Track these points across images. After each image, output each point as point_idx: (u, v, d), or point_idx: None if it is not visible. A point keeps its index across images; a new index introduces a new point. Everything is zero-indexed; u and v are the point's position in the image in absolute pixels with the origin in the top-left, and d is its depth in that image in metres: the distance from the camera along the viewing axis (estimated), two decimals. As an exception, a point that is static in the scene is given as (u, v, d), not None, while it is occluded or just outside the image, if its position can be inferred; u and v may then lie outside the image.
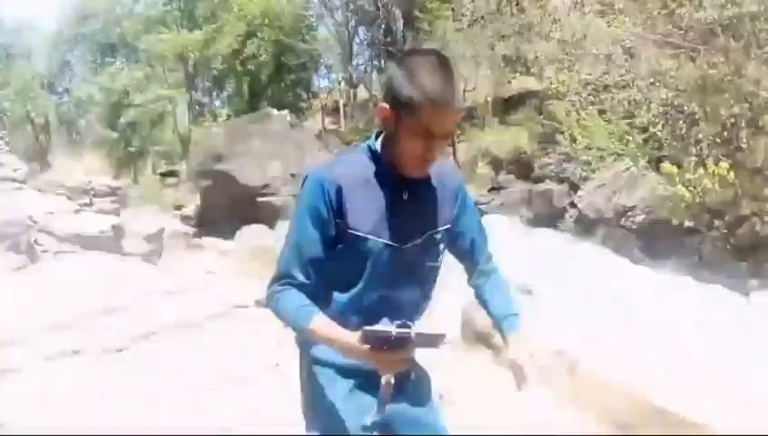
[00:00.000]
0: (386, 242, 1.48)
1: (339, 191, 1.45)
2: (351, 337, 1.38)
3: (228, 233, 8.28)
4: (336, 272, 1.50)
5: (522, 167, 11.43)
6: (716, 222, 8.55)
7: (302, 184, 1.51)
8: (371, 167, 1.50)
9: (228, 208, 9.14)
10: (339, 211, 1.46)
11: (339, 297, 1.52)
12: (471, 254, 1.70)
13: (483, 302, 1.74)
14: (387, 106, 1.44)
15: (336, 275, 1.50)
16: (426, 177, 1.52)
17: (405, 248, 1.51)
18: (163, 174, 19.36)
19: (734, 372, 5.67)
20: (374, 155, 1.51)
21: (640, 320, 6.41)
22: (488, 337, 5.52)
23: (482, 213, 9.15)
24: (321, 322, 1.45)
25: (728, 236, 8.61)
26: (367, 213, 1.47)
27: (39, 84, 25.52)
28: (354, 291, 1.51)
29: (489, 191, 11.26)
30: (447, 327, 5.81)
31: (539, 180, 11.08)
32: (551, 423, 3.98)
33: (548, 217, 10.34)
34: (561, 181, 10.80)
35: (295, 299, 1.47)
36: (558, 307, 6.47)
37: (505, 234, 9.00)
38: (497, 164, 11.97)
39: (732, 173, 8.16)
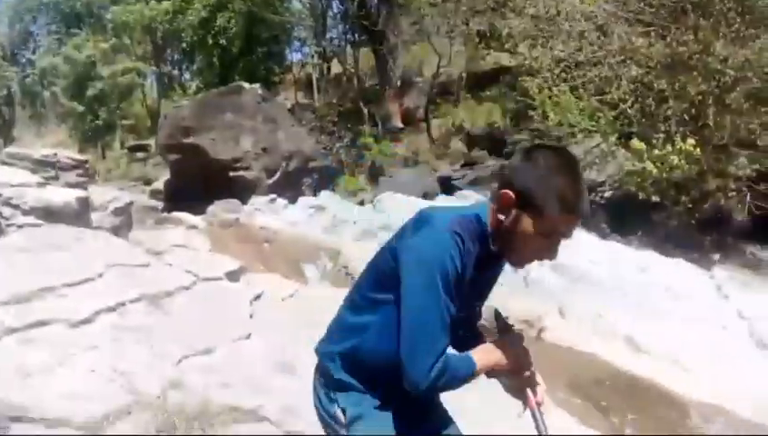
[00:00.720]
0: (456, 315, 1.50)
1: (464, 255, 1.44)
2: (495, 351, 1.55)
3: (199, 208, 8.17)
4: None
5: (495, 143, 11.48)
6: (682, 198, 8.74)
7: (423, 232, 1.45)
8: (477, 239, 1.48)
9: (198, 182, 9.01)
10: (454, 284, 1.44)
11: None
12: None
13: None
14: (513, 197, 1.42)
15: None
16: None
17: (461, 315, 1.54)
18: (132, 149, 18.96)
19: (697, 341, 5.88)
20: (482, 228, 1.48)
21: (606, 291, 6.58)
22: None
23: (455, 188, 9.23)
24: (479, 359, 1.51)
25: (693, 211, 8.82)
26: (460, 294, 1.47)
27: (0, 55, 24.62)
28: None
29: (462, 166, 11.31)
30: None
31: (512, 156, 11.14)
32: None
33: (521, 193, 10.42)
34: (533, 157, 10.88)
35: (451, 362, 1.45)
36: (528, 279, 6.60)
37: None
38: (470, 140, 12.00)
39: (698, 150, 8.34)
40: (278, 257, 6.80)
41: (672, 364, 5.25)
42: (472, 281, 1.50)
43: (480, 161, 11.30)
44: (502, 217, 1.45)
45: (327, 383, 1.70)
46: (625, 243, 8.70)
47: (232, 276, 4.55)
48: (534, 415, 1.59)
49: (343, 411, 1.62)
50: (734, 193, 8.68)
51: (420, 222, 1.49)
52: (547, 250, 1.44)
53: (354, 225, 8.05)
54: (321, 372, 1.76)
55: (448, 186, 10.60)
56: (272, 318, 4.00)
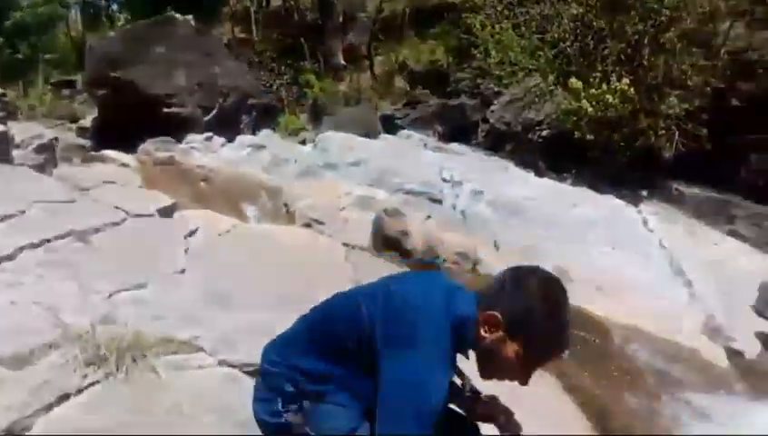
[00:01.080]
0: None
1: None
2: None
3: (129, 147, 7.83)
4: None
5: (438, 81, 11.42)
6: (615, 136, 9.02)
7: (421, 314, 1.44)
8: (458, 346, 1.49)
9: (129, 119, 8.58)
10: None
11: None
12: None
13: None
14: (500, 320, 1.43)
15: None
16: None
17: None
18: (57, 85, 17.80)
19: (622, 269, 6.22)
20: (472, 337, 1.48)
21: (539, 225, 6.83)
22: (397, 241, 5.72)
23: (398, 127, 9.16)
24: None
25: (625, 149, 9.13)
26: None
27: None
28: None
29: (405, 105, 11.23)
30: (362, 234, 5.88)
31: (454, 94, 11.15)
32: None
33: (462, 131, 10.51)
34: (474, 96, 10.92)
35: None
36: (465, 213, 6.76)
37: (418, 150, 9.14)
38: (413, 78, 11.89)
39: (632, 89, 8.58)
40: (215, 196, 6.66)
41: (597, 290, 5.57)
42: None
43: (423, 100, 11.24)
44: (486, 335, 1.47)
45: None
46: (559, 180, 8.99)
47: (165, 212, 4.44)
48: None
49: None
50: (664, 132, 9.03)
51: (409, 313, 1.48)
52: (523, 377, 1.48)
53: (295, 164, 7.95)
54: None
55: (390, 125, 10.55)
56: (208, 253, 3.96)
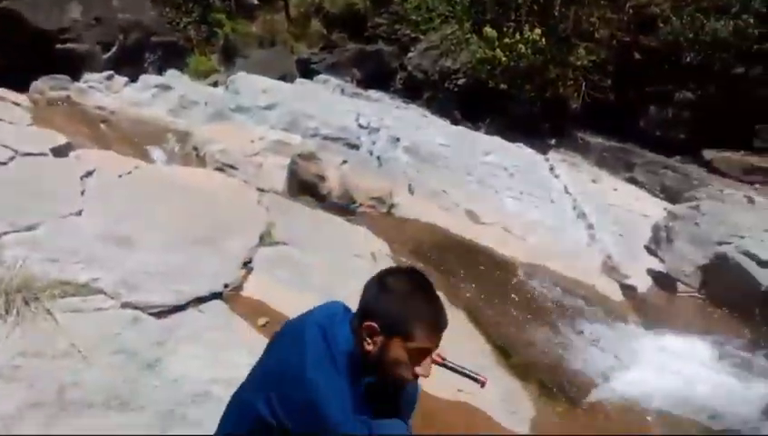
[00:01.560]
0: None
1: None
2: None
3: (21, 85, 7.15)
4: None
5: (355, 26, 11.16)
6: (527, 86, 9.24)
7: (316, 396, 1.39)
8: (357, 381, 1.46)
9: (18, 56, 7.81)
10: None
11: None
12: None
13: None
14: (376, 327, 1.44)
15: None
16: None
17: None
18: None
19: (528, 213, 6.49)
20: (357, 362, 1.47)
21: (452, 171, 6.96)
22: (313, 186, 5.65)
23: (314, 72, 8.88)
24: None
25: (536, 99, 9.39)
26: None
27: None
28: None
29: (321, 49, 10.93)
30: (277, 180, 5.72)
31: (372, 40, 10.96)
32: (371, 250, 4.29)
33: (379, 78, 10.39)
34: (392, 42, 10.78)
35: None
36: (381, 159, 6.76)
37: (335, 95, 8.98)
38: (329, 21, 11.55)
39: (543, 40, 8.78)
40: (118, 140, 6.24)
41: (504, 232, 5.79)
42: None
43: (340, 44, 10.97)
44: (369, 347, 1.46)
45: None
46: (473, 129, 9.16)
47: (59, 152, 4.11)
48: (445, 366, 1.71)
49: None
50: (572, 83, 9.35)
51: (296, 376, 1.45)
52: (421, 367, 1.47)
53: (205, 107, 7.57)
54: None
55: (306, 69, 10.26)
56: (107, 194, 3.72)
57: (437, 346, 1.49)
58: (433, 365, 1.61)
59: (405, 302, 1.45)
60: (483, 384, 1.73)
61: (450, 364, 1.77)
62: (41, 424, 2.05)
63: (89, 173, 3.89)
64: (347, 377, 1.44)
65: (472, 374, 1.74)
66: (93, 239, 3.18)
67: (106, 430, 2.05)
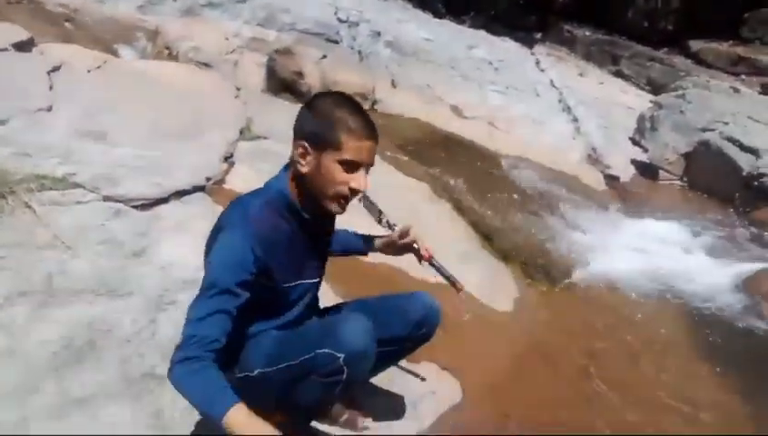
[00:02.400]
0: (310, 281, 1.66)
1: (265, 251, 1.47)
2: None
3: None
4: (256, 311, 1.54)
5: None
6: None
7: (220, 233, 1.48)
8: (287, 217, 1.54)
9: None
10: (264, 269, 1.48)
11: (259, 325, 1.60)
12: None
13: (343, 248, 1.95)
14: (306, 144, 1.47)
15: (255, 312, 1.55)
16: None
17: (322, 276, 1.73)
18: None
19: (513, 107, 6.40)
20: (286, 201, 1.53)
21: (436, 66, 6.77)
22: (292, 83, 5.49)
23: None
24: (239, 417, 1.30)
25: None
26: (292, 266, 1.57)
27: None
28: (280, 318, 1.62)
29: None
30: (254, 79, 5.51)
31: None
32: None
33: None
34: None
35: (210, 379, 1.36)
36: (363, 53, 6.54)
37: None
38: None
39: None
40: (84, 39, 5.91)
41: (488, 126, 5.74)
42: (314, 248, 1.64)
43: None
44: (304, 169, 1.49)
45: None
46: (458, 23, 8.84)
47: (22, 47, 3.89)
48: (431, 264, 1.88)
49: None
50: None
51: (217, 229, 1.53)
52: (355, 180, 1.48)
53: (175, 3, 7.16)
54: None
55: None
56: (77, 89, 3.57)
57: (370, 161, 1.51)
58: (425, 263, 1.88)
59: (331, 115, 1.46)
60: (460, 290, 1.91)
61: (436, 263, 1.86)
62: (30, 312, 2.06)
63: (56, 69, 3.71)
64: (263, 204, 1.51)
65: (452, 278, 1.91)
66: (66, 134, 3.08)
67: (97, 314, 2.07)
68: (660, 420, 2.50)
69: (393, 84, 6.06)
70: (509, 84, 6.93)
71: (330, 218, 1.69)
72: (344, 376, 1.47)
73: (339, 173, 1.47)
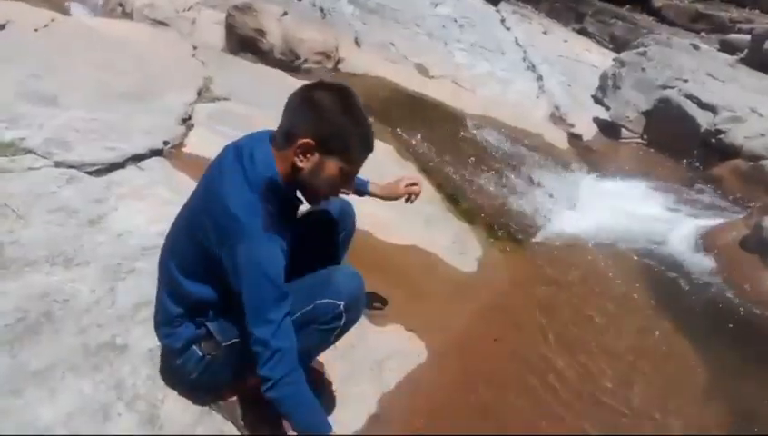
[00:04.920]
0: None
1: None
2: None
3: None
4: None
5: None
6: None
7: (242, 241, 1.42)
8: (278, 205, 1.47)
9: None
10: None
11: None
12: None
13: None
14: (313, 144, 1.42)
15: None
16: None
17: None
18: None
19: (478, 66, 6.36)
20: (278, 188, 1.47)
21: (400, 24, 6.65)
22: (253, 42, 5.31)
23: None
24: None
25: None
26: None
27: None
28: None
29: None
30: (213, 37, 5.29)
31: None
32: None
33: None
34: None
35: (311, 398, 1.52)
36: (326, 11, 6.37)
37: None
38: None
39: None
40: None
41: (453, 85, 5.69)
42: (289, 228, 1.55)
43: None
44: (301, 165, 1.45)
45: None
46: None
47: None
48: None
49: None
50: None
51: (221, 198, 1.46)
52: (346, 184, 1.53)
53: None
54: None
55: None
56: (24, 49, 3.39)
57: (360, 168, 1.54)
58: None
59: (345, 123, 1.43)
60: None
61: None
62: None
63: (1, 27, 3.51)
64: (262, 200, 1.45)
65: None
66: (13, 97, 2.94)
67: (53, 284, 2.01)
68: (620, 371, 2.59)
69: (357, 43, 5.94)
70: (474, 43, 6.86)
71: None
72: (343, 322, 1.57)
73: (337, 179, 1.49)
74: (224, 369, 1.64)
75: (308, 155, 1.45)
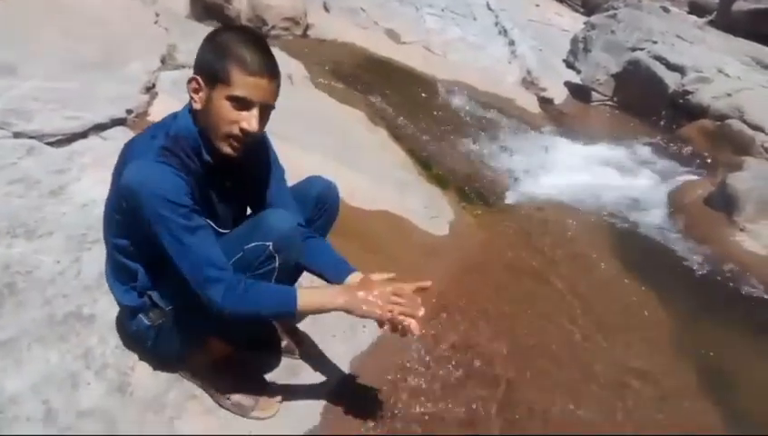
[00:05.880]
0: (222, 231, 1.52)
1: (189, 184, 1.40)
2: (337, 295, 1.48)
3: None
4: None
5: None
6: None
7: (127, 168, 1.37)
8: (192, 158, 1.43)
9: None
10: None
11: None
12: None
13: (313, 263, 1.68)
14: (199, 79, 1.38)
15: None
16: (242, 161, 1.48)
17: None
18: None
19: (449, 31, 6.30)
20: (191, 138, 1.43)
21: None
22: (219, 8, 5.18)
23: None
24: (306, 298, 1.46)
25: None
26: (204, 210, 1.45)
27: None
28: None
29: None
30: (177, 4, 5.12)
31: None
32: (287, 72, 4.08)
33: None
34: None
35: (261, 286, 1.44)
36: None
37: None
38: None
39: None
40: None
41: (424, 50, 5.64)
42: (217, 193, 1.53)
43: None
44: (197, 106, 1.40)
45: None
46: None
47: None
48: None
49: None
50: None
51: (124, 164, 1.42)
52: (246, 119, 1.38)
53: None
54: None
55: None
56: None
57: (264, 99, 1.40)
58: None
59: (225, 49, 1.36)
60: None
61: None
62: (-58, 257, 1.94)
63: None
64: (181, 160, 1.40)
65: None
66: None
67: (15, 256, 1.97)
68: (585, 328, 2.64)
69: (326, 8, 5.82)
70: (446, 8, 6.78)
71: (237, 165, 1.53)
72: (277, 263, 1.47)
73: (228, 111, 1.37)
74: (175, 335, 1.60)
75: (199, 94, 1.39)
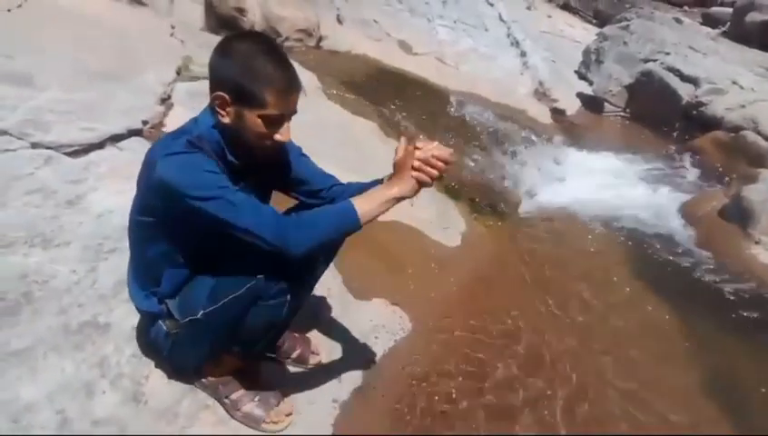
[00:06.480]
0: None
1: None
2: (386, 189, 1.50)
3: None
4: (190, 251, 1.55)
5: None
6: None
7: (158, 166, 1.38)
8: (215, 158, 1.43)
9: None
10: None
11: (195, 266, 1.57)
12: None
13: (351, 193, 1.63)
14: (226, 97, 1.37)
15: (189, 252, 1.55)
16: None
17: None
18: None
19: (461, 43, 6.32)
20: (214, 140, 1.44)
21: (383, 0, 6.57)
22: (233, 20, 5.24)
23: None
24: (364, 206, 1.46)
25: None
26: None
27: None
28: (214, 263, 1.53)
29: None
30: (192, 16, 5.20)
31: None
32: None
33: None
34: None
35: (320, 213, 1.46)
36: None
37: None
38: None
39: None
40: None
41: (437, 62, 5.66)
42: (250, 185, 1.52)
43: None
44: (224, 120, 1.41)
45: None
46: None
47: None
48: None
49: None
50: None
51: (152, 162, 1.42)
52: (281, 133, 1.43)
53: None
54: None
55: None
56: (-4, 30, 3.32)
57: (293, 109, 1.44)
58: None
59: (252, 67, 1.36)
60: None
61: None
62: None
63: (-31, 8, 3.43)
64: (208, 154, 1.42)
65: None
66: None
67: (32, 266, 2.00)
68: (602, 341, 2.62)
69: (339, 20, 5.87)
70: (458, 19, 6.81)
71: (260, 164, 1.56)
72: (289, 296, 1.50)
73: (262, 127, 1.40)
74: (190, 347, 1.62)
75: (226, 109, 1.40)
